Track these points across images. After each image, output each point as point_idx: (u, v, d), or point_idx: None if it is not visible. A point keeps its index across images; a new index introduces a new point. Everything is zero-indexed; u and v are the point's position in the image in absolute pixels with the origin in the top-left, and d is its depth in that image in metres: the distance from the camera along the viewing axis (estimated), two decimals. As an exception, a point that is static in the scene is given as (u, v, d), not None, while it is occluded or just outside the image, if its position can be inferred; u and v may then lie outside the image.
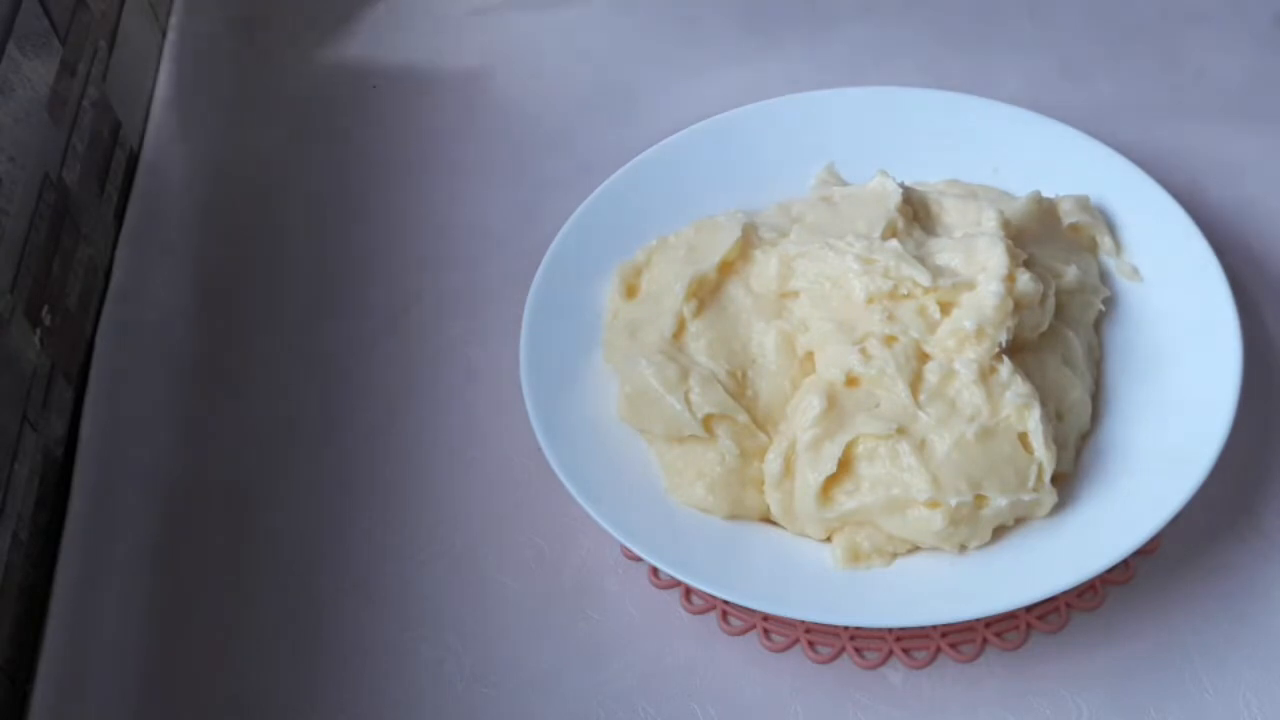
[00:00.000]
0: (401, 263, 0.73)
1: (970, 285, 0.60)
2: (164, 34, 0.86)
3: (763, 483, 0.60)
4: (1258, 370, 0.62)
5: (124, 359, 0.70)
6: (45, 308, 0.66)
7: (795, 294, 0.63)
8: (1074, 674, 0.57)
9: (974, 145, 0.70)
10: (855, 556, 0.58)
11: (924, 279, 0.60)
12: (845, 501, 0.58)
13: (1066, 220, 0.67)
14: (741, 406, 0.61)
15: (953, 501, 0.56)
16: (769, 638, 0.59)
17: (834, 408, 0.59)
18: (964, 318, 0.59)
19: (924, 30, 0.83)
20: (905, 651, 0.58)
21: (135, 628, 0.60)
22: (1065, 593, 0.58)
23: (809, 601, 0.56)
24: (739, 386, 0.61)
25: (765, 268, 0.64)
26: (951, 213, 0.66)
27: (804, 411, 0.59)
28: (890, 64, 0.81)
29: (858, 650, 0.58)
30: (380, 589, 0.61)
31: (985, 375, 0.58)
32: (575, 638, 0.60)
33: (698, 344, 0.62)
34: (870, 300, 0.61)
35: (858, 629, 0.59)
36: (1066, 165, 0.69)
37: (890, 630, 0.58)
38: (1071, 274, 0.63)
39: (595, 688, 0.58)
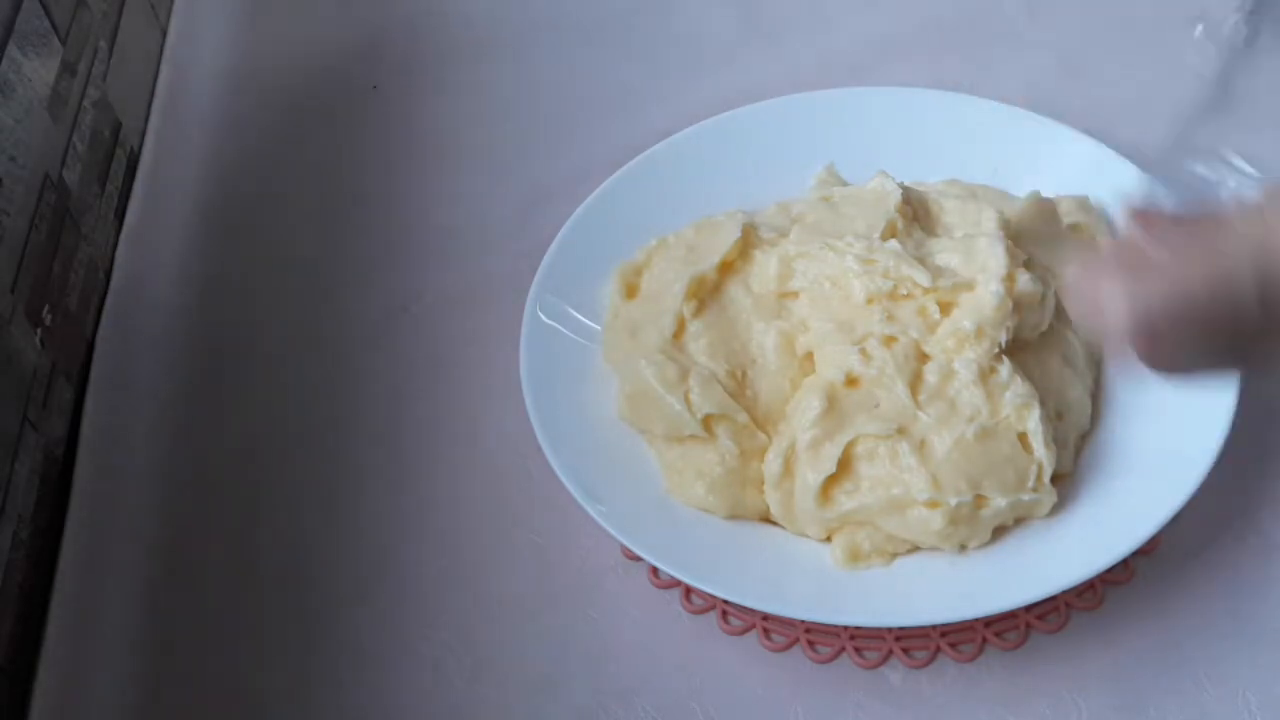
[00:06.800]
0: (402, 262, 0.73)
1: (970, 285, 0.60)
2: (164, 34, 0.86)
3: (763, 483, 0.60)
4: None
5: (124, 359, 0.70)
6: (45, 308, 0.66)
7: (795, 294, 0.63)
8: (1074, 674, 0.57)
9: (974, 145, 0.70)
10: (855, 556, 0.58)
11: (924, 279, 0.60)
12: (845, 501, 0.58)
13: (1066, 220, 0.67)
14: (741, 406, 0.61)
15: (952, 501, 0.56)
16: (769, 637, 0.59)
17: (834, 408, 0.59)
18: (963, 318, 0.59)
19: (924, 30, 0.83)
20: (905, 651, 0.58)
21: (135, 628, 0.60)
22: (1065, 592, 0.58)
23: (809, 601, 0.57)
24: (739, 386, 0.61)
25: (765, 268, 0.64)
26: (951, 213, 0.66)
27: (804, 412, 0.59)
28: (890, 64, 0.81)
29: (857, 650, 0.58)
30: (380, 589, 0.61)
31: (985, 375, 0.58)
32: (575, 638, 0.60)
33: (698, 344, 0.62)
34: (870, 300, 0.61)
35: (857, 629, 0.59)
36: (1066, 165, 0.68)
37: (890, 630, 0.58)
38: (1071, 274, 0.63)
39: (595, 687, 0.58)
